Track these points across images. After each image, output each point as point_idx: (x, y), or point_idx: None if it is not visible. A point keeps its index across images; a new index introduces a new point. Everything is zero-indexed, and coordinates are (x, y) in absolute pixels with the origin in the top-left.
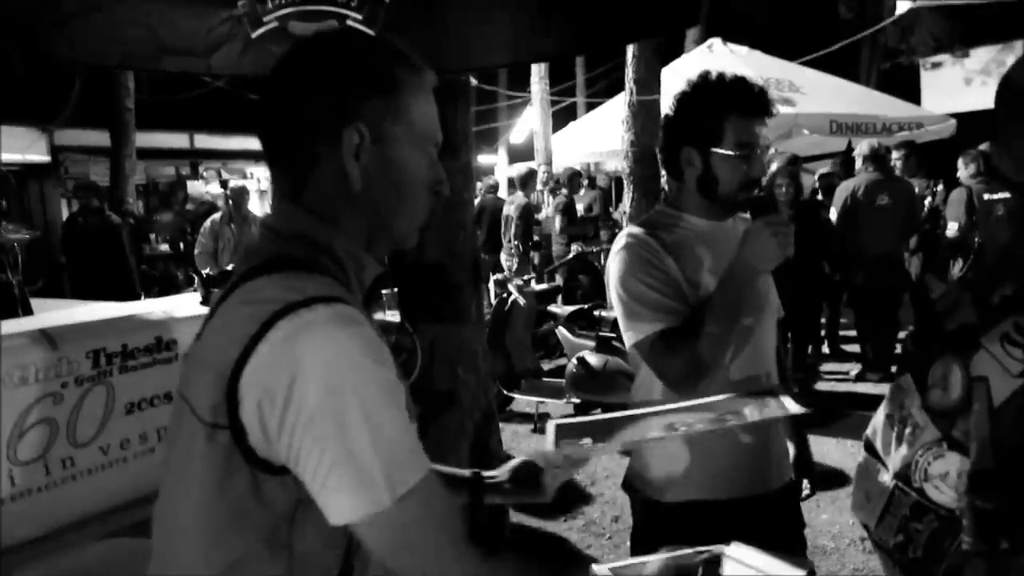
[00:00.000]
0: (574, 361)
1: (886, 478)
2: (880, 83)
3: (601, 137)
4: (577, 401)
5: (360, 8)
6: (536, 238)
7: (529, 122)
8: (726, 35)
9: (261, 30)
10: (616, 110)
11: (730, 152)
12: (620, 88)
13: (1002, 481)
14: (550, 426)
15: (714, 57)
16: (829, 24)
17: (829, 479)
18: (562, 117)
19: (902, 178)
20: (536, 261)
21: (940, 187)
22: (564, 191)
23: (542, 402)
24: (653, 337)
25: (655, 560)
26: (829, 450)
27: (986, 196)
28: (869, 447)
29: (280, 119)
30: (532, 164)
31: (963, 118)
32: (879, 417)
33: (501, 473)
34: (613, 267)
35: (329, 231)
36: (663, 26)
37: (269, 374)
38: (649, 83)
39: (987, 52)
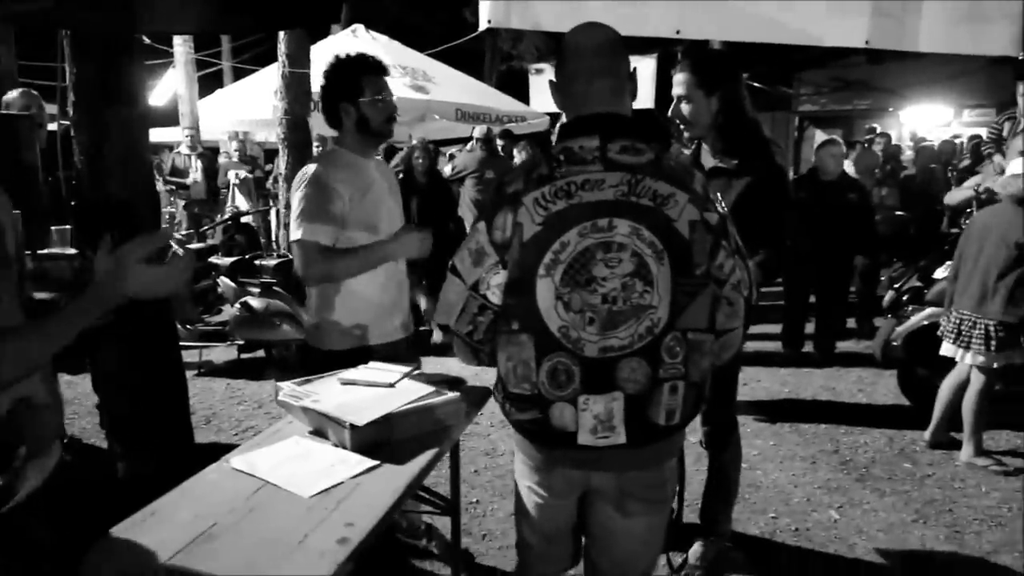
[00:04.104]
0: (237, 306)
1: (463, 288)
2: (499, 82)
3: (251, 106)
4: (241, 343)
5: None
6: None
7: (172, 85)
8: (368, 23)
9: None
10: (267, 81)
11: (369, 99)
12: (270, 59)
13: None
14: None
15: (358, 41)
16: (458, 25)
17: None
18: (207, 83)
19: (504, 157)
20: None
21: None
22: None
23: (206, 346)
24: (314, 244)
25: None
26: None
27: None
28: (453, 270)
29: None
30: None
31: (554, 115)
32: (462, 250)
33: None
34: (300, 183)
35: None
36: (318, 17)
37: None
38: (300, 58)
39: None
